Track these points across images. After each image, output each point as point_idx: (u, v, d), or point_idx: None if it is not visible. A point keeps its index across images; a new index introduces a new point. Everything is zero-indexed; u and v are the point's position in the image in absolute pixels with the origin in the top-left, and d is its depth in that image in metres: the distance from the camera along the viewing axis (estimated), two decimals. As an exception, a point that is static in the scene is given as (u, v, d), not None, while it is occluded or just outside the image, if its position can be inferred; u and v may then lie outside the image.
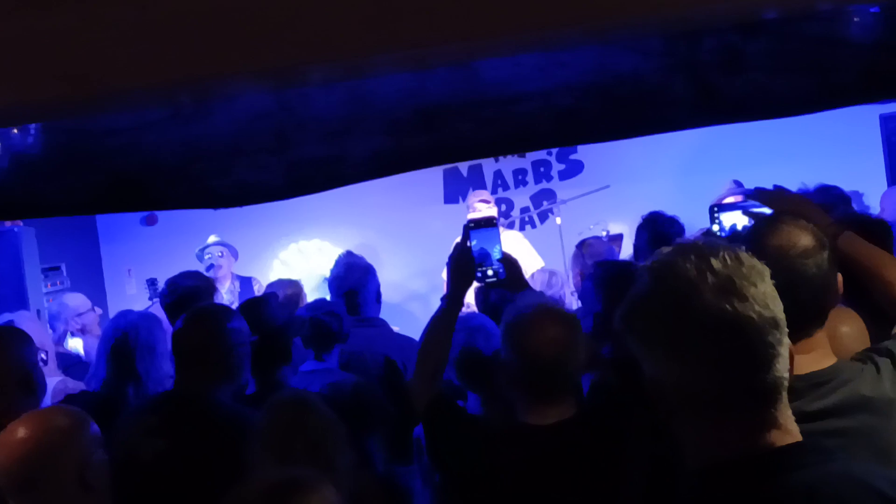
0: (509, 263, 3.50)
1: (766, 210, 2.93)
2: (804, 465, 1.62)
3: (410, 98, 3.32)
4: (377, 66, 3.05)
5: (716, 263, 1.63)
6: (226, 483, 2.31)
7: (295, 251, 9.27)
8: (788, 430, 1.67)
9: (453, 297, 3.39)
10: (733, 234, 3.15)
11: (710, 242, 1.70)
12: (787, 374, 1.66)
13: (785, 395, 1.66)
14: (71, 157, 3.42)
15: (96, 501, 2.85)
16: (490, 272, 3.45)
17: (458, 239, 3.42)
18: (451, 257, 3.44)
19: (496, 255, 3.45)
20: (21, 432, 2.78)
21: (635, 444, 2.97)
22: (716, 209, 3.24)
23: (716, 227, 3.21)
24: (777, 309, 1.65)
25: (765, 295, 1.64)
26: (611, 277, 3.94)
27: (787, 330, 1.66)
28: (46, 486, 2.75)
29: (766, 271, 1.67)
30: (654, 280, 1.69)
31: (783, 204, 2.85)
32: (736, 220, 3.19)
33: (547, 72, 3.31)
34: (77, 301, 6.15)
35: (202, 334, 3.56)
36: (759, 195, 2.95)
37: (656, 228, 5.21)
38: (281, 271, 8.76)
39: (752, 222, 2.90)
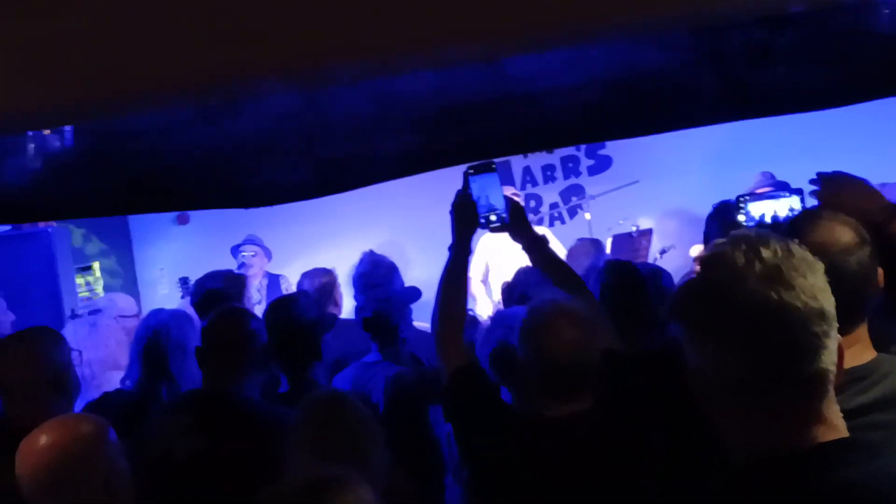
0: (512, 207, 3.51)
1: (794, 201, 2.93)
2: (847, 462, 1.61)
3: (437, 96, 3.32)
4: (404, 65, 3.06)
5: (765, 253, 1.64)
6: (260, 479, 2.33)
7: (324, 250, 9.28)
8: (833, 426, 1.66)
9: (459, 245, 3.42)
10: (773, 226, 3.12)
11: (764, 233, 1.71)
12: (833, 368, 1.65)
13: (831, 389, 1.66)
14: (102, 158, 3.44)
15: None
16: (493, 217, 3.45)
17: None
18: (452, 205, 3.45)
19: (498, 200, 3.45)
20: (46, 439, 2.74)
21: (654, 434, 3.00)
22: (742, 199, 3.21)
23: (742, 218, 3.18)
24: (826, 301, 1.64)
25: (813, 287, 1.64)
26: (611, 278, 3.97)
27: (836, 324, 1.65)
28: (73, 494, 2.72)
29: (820, 265, 1.68)
30: (703, 268, 1.72)
31: (837, 186, 2.83)
32: (763, 209, 3.16)
33: (574, 67, 3.30)
34: (125, 303, 6.16)
35: (232, 331, 3.60)
36: (824, 179, 2.92)
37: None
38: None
39: (793, 215, 2.89)
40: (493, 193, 3.45)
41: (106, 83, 2.72)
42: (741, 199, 3.21)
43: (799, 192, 3.11)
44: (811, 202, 3.03)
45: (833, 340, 1.65)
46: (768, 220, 3.12)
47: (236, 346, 3.59)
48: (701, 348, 1.71)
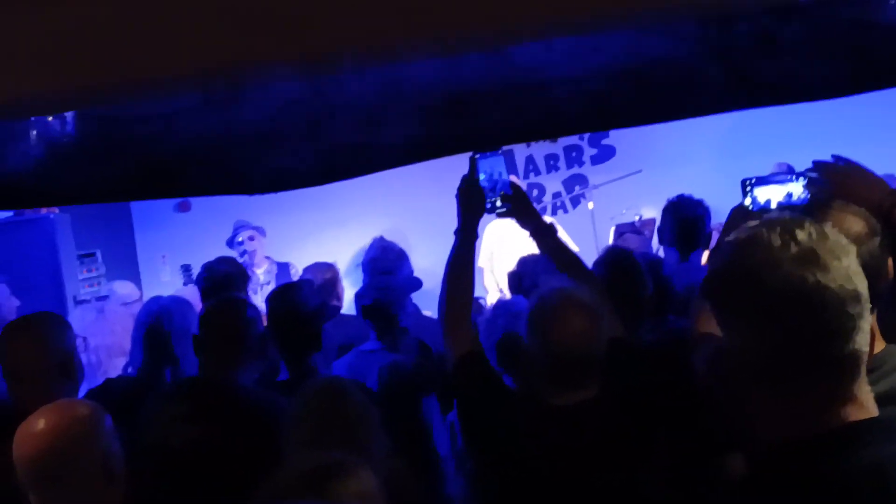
0: (517, 193, 3.53)
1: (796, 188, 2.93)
2: (876, 441, 1.63)
3: (442, 84, 3.31)
4: (409, 53, 3.05)
5: (800, 235, 1.66)
6: (255, 468, 2.33)
7: (329, 236, 9.28)
8: (864, 406, 1.68)
9: (466, 230, 3.44)
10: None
11: (797, 216, 1.73)
12: (866, 349, 1.67)
13: (864, 369, 1.68)
14: (105, 144, 3.43)
15: (116, 492, 2.82)
16: (499, 203, 3.47)
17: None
18: (459, 189, 3.46)
19: (504, 185, 3.48)
20: (43, 424, 2.72)
21: (659, 423, 3.00)
22: (749, 183, 3.20)
23: (748, 202, 3.17)
24: (860, 284, 1.67)
25: (848, 269, 1.66)
26: (610, 263, 3.96)
27: (869, 306, 1.67)
28: (72, 478, 2.71)
29: (852, 248, 1.70)
30: (738, 251, 1.73)
31: (840, 176, 2.84)
32: (770, 194, 3.15)
33: (579, 57, 3.29)
34: (126, 290, 6.15)
35: (229, 320, 3.60)
36: (820, 167, 2.93)
37: (680, 211, 5.19)
38: (315, 256, 8.79)
39: (797, 201, 2.89)
40: (500, 178, 3.46)
41: (111, 70, 2.71)
42: (747, 182, 3.19)
43: (806, 176, 3.10)
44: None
45: (866, 322, 1.67)
46: (774, 205, 3.11)
47: (233, 334, 3.59)
48: (736, 331, 1.73)
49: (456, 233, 3.43)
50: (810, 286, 1.62)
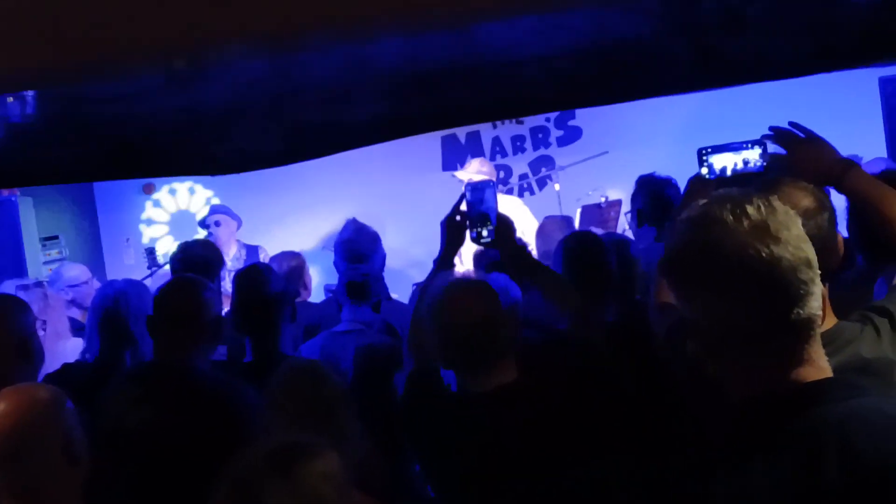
0: (502, 224, 3.51)
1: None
2: (835, 398, 1.73)
3: (408, 63, 3.30)
4: (374, 31, 3.03)
5: (750, 210, 1.75)
6: (213, 450, 2.32)
7: (294, 218, 9.25)
8: (820, 367, 1.79)
9: (445, 261, 3.49)
10: (735, 179, 3.13)
11: (744, 192, 1.82)
12: (819, 312, 1.78)
13: (818, 332, 1.79)
14: (68, 124, 3.40)
15: (78, 475, 2.81)
16: (485, 233, 3.48)
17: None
18: (446, 218, 3.48)
19: (492, 216, 3.48)
20: (4, 406, 2.72)
21: (585, 406, 3.01)
22: (704, 151, 3.22)
23: (705, 171, 3.19)
24: (809, 250, 1.77)
25: (798, 237, 1.75)
26: (573, 248, 3.98)
27: (818, 270, 1.77)
28: (33, 460, 2.71)
29: (797, 218, 1.79)
30: (694, 229, 1.81)
31: (795, 144, 2.90)
32: (726, 161, 3.17)
33: (545, 35, 3.29)
34: (74, 272, 6.08)
35: (183, 302, 3.56)
36: (777, 133, 2.99)
37: (653, 189, 5.20)
38: (282, 238, 8.75)
39: (754, 167, 2.94)
40: (489, 209, 3.47)
41: (71, 48, 2.68)
42: (703, 151, 3.21)
43: (761, 143, 3.14)
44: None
45: (818, 287, 1.77)
46: (729, 172, 3.13)
47: (187, 316, 3.53)
48: (698, 303, 1.81)
49: (435, 262, 3.47)
50: (765, 257, 1.71)
